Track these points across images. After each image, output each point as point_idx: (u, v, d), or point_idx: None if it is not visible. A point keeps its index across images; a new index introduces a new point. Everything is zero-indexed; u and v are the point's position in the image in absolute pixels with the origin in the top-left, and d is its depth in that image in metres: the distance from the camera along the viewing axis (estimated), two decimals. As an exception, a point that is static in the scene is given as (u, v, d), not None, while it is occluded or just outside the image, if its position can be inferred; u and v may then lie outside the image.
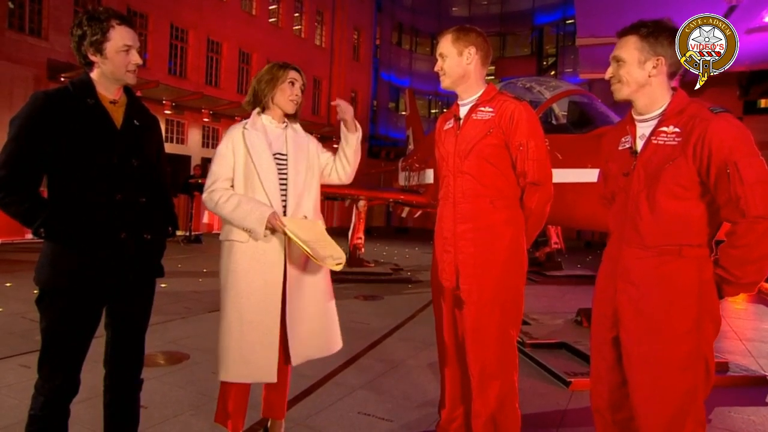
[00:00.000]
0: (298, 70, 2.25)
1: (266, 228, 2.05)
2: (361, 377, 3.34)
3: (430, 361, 3.59)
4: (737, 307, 6.42)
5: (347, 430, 2.58)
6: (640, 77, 1.68)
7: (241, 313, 2.09)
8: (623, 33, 1.72)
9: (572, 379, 3.27)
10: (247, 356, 2.08)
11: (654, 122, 1.69)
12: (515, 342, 2.18)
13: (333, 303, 2.32)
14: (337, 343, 2.32)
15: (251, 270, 2.10)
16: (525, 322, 4.44)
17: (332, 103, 2.24)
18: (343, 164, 2.35)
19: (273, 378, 2.12)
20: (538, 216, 2.16)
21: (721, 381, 3.38)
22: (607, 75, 1.75)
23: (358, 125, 2.32)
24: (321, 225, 2.22)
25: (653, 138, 1.66)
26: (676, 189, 1.60)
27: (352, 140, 2.31)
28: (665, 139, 1.63)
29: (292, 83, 2.21)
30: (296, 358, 2.17)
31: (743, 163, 1.49)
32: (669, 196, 1.61)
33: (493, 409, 2.09)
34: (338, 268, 2.09)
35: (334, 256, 2.10)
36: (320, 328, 2.25)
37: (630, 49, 1.68)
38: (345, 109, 2.23)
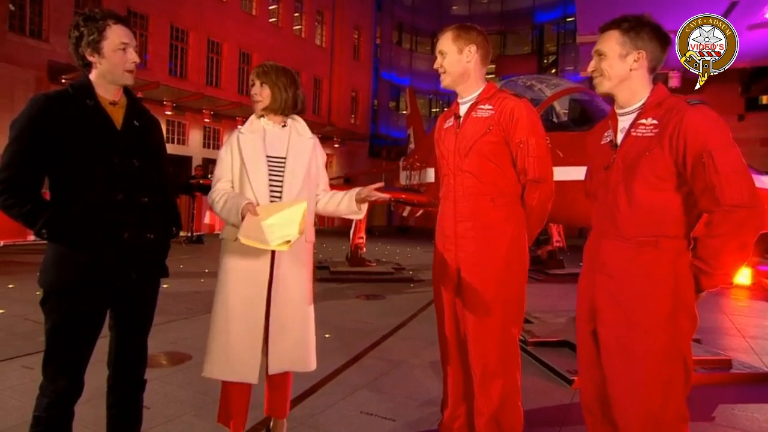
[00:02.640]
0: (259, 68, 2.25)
1: (241, 215, 2.00)
2: (363, 377, 3.34)
3: (432, 360, 3.58)
4: (740, 305, 6.41)
5: (350, 430, 2.58)
6: (621, 71, 1.70)
7: (227, 311, 2.10)
8: (605, 28, 1.74)
9: (575, 378, 3.26)
10: (231, 354, 2.09)
11: (633, 115, 1.71)
12: (517, 340, 2.17)
13: (313, 316, 2.27)
14: (313, 362, 2.25)
15: (238, 268, 2.11)
16: (527, 321, 4.43)
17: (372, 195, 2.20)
18: (321, 207, 2.33)
19: (254, 379, 2.10)
20: (540, 213, 2.15)
21: (724, 378, 3.38)
22: (589, 69, 1.77)
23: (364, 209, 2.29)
24: (302, 206, 2.02)
25: (632, 130, 1.69)
26: (653, 180, 1.61)
27: (343, 212, 2.29)
28: (643, 130, 1.65)
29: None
30: (273, 367, 2.13)
31: (718, 152, 1.50)
32: (646, 186, 1.62)
33: (496, 408, 2.09)
34: (285, 248, 1.94)
35: (286, 234, 1.92)
36: (301, 340, 2.20)
37: (611, 43, 1.70)
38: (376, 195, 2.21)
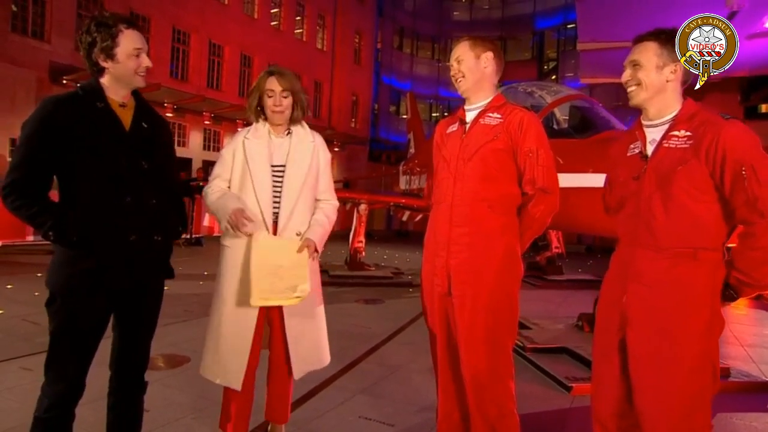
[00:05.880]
0: (280, 75, 2.14)
1: (228, 223, 2.03)
2: (361, 381, 3.33)
3: (430, 366, 3.54)
4: (738, 313, 6.41)
5: (348, 435, 2.58)
6: (657, 82, 1.70)
7: (221, 315, 2.14)
8: (641, 39, 1.75)
9: (573, 384, 3.26)
10: (220, 357, 2.13)
11: (665, 127, 1.71)
12: (510, 350, 2.15)
13: (324, 315, 2.32)
14: (327, 356, 2.34)
15: (230, 275, 2.14)
16: (526, 327, 4.43)
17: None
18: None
19: (237, 386, 2.12)
20: (540, 225, 2.14)
21: (722, 387, 3.36)
22: (624, 78, 1.76)
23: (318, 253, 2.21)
24: (305, 255, 2.11)
25: (664, 142, 1.68)
26: (693, 191, 1.61)
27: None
28: (677, 142, 1.65)
29: (269, 95, 2.13)
30: (298, 372, 2.21)
31: (759, 164, 1.53)
32: (685, 197, 1.62)
33: (490, 416, 2.07)
34: (295, 302, 2.06)
35: (298, 287, 2.05)
36: (317, 342, 2.27)
37: (649, 54, 1.71)
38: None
